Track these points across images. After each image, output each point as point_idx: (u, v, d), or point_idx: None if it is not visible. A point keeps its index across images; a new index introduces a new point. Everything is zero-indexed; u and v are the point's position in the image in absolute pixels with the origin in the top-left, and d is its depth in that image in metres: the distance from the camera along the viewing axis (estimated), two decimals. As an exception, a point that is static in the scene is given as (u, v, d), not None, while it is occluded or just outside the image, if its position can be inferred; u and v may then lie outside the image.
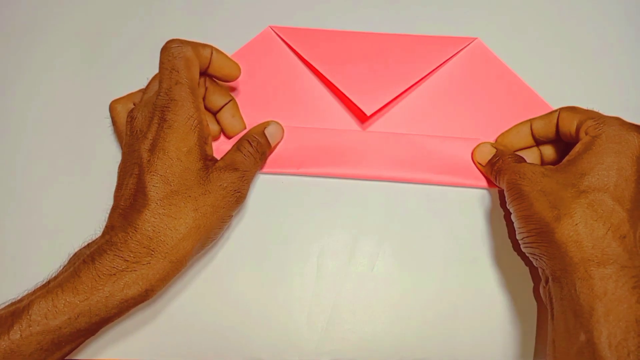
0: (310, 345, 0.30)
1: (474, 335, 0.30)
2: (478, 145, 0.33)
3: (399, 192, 0.33)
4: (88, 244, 0.26)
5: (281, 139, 0.33)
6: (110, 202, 0.32)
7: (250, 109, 0.34)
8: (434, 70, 0.35)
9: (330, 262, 0.32)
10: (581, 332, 0.24)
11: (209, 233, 0.27)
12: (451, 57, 0.35)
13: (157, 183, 0.26)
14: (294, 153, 0.33)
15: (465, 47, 0.35)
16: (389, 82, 0.34)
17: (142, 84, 0.35)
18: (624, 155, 0.26)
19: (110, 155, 0.34)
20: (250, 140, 0.30)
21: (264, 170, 0.33)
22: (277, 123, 0.33)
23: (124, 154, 0.28)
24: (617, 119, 0.28)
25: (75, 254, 0.26)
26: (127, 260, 0.25)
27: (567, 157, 0.28)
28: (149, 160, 0.26)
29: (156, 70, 0.35)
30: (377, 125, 0.34)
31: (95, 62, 0.36)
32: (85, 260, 0.25)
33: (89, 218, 0.33)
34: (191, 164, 0.27)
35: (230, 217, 0.29)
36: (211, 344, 0.30)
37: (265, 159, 0.33)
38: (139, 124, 0.28)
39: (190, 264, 0.28)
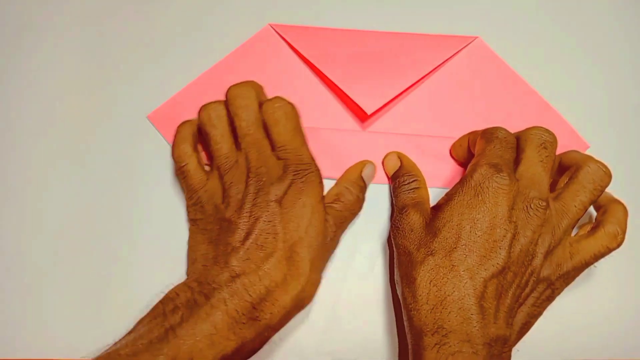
0: (310, 345, 0.30)
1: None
2: (387, 155, 0.33)
3: (400, 191, 0.33)
4: (194, 285, 0.25)
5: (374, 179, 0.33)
6: (110, 203, 0.32)
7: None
8: (434, 69, 0.34)
9: (330, 263, 0.32)
10: None
11: (316, 285, 0.27)
12: (452, 56, 0.35)
13: (288, 230, 0.26)
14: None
15: (466, 46, 0.35)
16: (390, 81, 0.33)
17: (143, 84, 0.34)
18: (478, 210, 0.25)
19: (110, 155, 0.34)
20: (350, 188, 0.30)
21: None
22: (372, 163, 0.32)
23: (236, 207, 0.27)
24: (488, 159, 0.27)
25: (178, 295, 0.24)
26: (255, 309, 0.24)
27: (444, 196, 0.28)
28: (282, 208, 0.26)
29: (158, 71, 0.35)
30: (377, 126, 0.34)
31: (95, 62, 0.35)
32: (214, 304, 0.23)
33: (89, 218, 0.32)
34: (318, 215, 0.27)
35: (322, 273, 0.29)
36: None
37: (364, 202, 0.31)
38: (268, 176, 0.27)
39: None
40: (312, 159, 0.28)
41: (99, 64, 0.35)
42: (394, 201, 0.31)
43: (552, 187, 0.29)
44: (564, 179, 0.28)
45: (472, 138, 0.30)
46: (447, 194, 0.28)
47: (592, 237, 0.27)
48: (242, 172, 0.28)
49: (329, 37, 0.35)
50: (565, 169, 0.29)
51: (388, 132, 0.34)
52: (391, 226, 0.29)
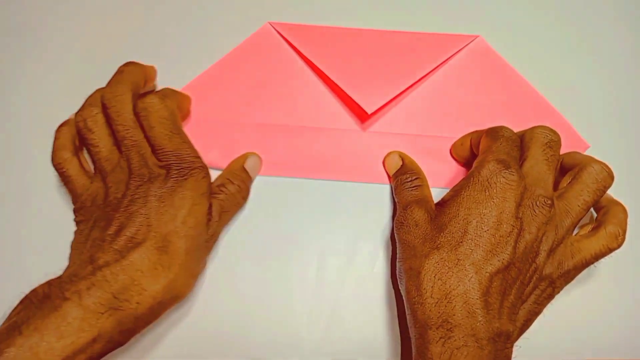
0: (310, 345, 0.30)
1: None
2: (388, 154, 0.33)
3: (400, 191, 0.33)
4: (55, 282, 0.24)
5: (259, 170, 0.33)
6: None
7: (248, 108, 0.34)
8: (435, 68, 0.34)
9: (330, 262, 0.32)
10: None
11: (193, 277, 0.27)
12: (453, 55, 0.35)
13: (162, 222, 0.26)
14: (293, 153, 0.33)
15: (466, 45, 0.35)
16: (390, 80, 0.33)
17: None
18: (485, 205, 0.25)
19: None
20: (232, 179, 0.30)
21: (263, 173, 0.33)
22: (255, 155, 0.33)
23: (115, 203, 0.27)
24: (496, 156, 0.26)
25: (36, 292, 0.24)
26: (117, 298, 0.24)
27: (449, 192, 0.28)
28: (158, 204, 0.26)
29: (158, 70, 0.34)
30: (378, 126, 0.34)
31: (95, 62, 0.35)
32: (66, 296, 0.23)
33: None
34: (200, 210, 0.27)
35: (205, 263, 0.30)
36: (211, 344, 0.30)
37: (249, 194, 0.32)
38: (147, 170, 0.27)
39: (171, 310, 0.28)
40: (195, 157, 0.28)
41: (99, 63, 0.35)
42: (396, 199, 0.31)
43: (554, 187, 0.29)
44: (566, 179, 0.28)
45: (475, 137, 0.30)
46: (453, 189, 0.27)
47: (593, 236, 0.27)
48: (124, 174, 0.28)
49: (329, 35, 0.35)
50: (567, 169, 0.29)
51: (388, 132, 0.34)
52: (395, 222, 0.29)
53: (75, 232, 0.29)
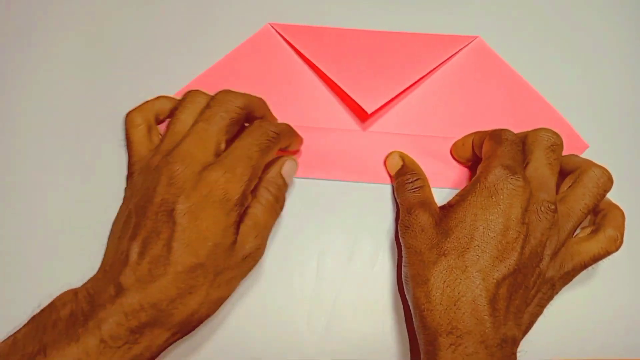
0: (310, 345, 0.30)
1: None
2: (389, 154, 0.33)
3: (400, 191, 0.33)
4: (81, 296, 0.24)
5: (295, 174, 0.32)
6: (110, 202, 0.32)
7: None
8: (434, 69, 0.34)
9: (330, 262, 0.32)
10: None
11: (218, 303, 0.26)
12: (452, 55, 0.35)
13: (184, 253, 0.24)
14: (293, 153, 0.33)
15: (466, 45, 0.35)
16: (390, 81, 0.33)
17: (143, 84, 0.34)
18: (492, 211, 0.25)
19: (113, 156, 0.33)
20: (269, 188, 0.28)
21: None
22: (292, 159, 0.31)
23: (147, 198, 0.25)
24: (501, 161, 0.26)
25: (63, 306, 0.23)
26: (134, 332, 0.23)
27: (455, 196, 0.28)
28: (183, 227, 0.24)
29: (158, 70, 0.35)
30: (378, 126, 0.34)
31: (95, 62, 0.35)
32: (89, 327, 0.22)
33: (90, 220, 0.32)
34: (225, 239, 0.25)
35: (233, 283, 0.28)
36: (211, 344, 0.30)
37: (285, 201, 0.30)
38: (183, 178, 0.25)
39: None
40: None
41: (99, 64, 0.35)
42: (398, 200, 0.31)
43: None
44: (567, 182, 0.28)
45: (477, 139, 0.30)
46: (459, 194, 0.27)
47: (592, 239, 0.27)
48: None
49: (329, 36, 0.35)
50: (567, 172, 0.29)
51: (388, 132, 0.34)
52: (400, 226, 0.29)
53: (120, 207, 0.29)
